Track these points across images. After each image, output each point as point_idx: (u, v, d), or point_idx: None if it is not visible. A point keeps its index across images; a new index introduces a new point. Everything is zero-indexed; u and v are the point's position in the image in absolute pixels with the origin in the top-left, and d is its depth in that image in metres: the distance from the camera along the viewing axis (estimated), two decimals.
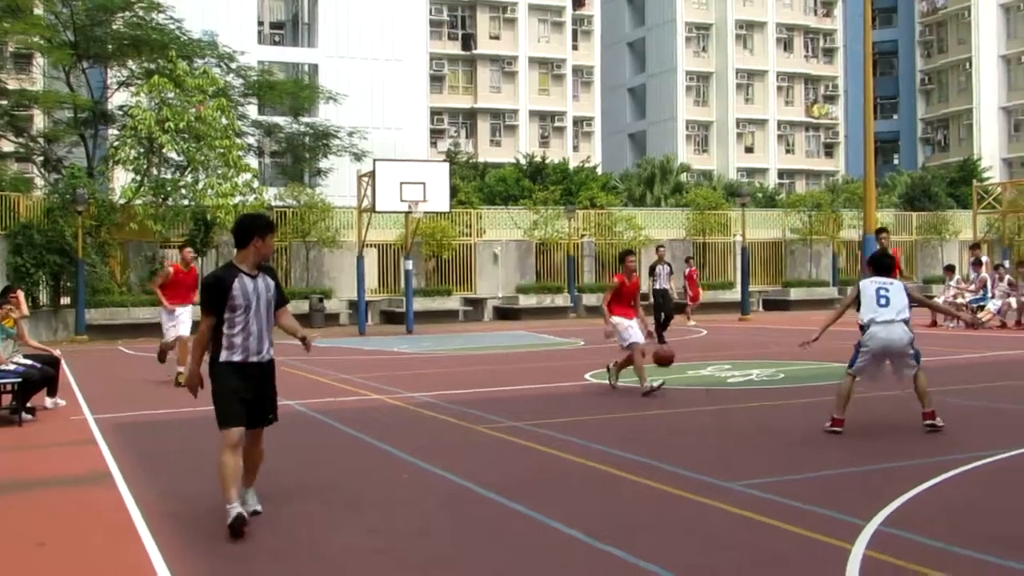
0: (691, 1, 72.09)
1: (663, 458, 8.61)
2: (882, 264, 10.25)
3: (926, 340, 20.61)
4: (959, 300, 25.01)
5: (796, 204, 42.18)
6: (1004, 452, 8.52)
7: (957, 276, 26.99)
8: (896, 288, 9.89)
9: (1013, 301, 24.69)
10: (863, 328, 9.82)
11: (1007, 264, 28.56)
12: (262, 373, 6.63)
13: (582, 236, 37.15)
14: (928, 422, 9.72)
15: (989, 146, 71.24)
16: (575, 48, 67.34)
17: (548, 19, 65.68)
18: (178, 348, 14.74)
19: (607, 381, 13.66)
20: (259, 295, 6.56)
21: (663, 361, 13.38)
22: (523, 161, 51.04)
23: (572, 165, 51.28)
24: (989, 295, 24.89)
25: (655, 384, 12.75)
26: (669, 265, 23.56)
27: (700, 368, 16.19)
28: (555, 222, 35.91)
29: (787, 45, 73.09)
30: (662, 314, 22.43)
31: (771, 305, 37.54)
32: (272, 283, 6.69)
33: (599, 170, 56.28)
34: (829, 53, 74.84)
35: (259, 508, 6.77)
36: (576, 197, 40.60)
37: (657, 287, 22.87)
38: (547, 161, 50.49)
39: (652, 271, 23.48)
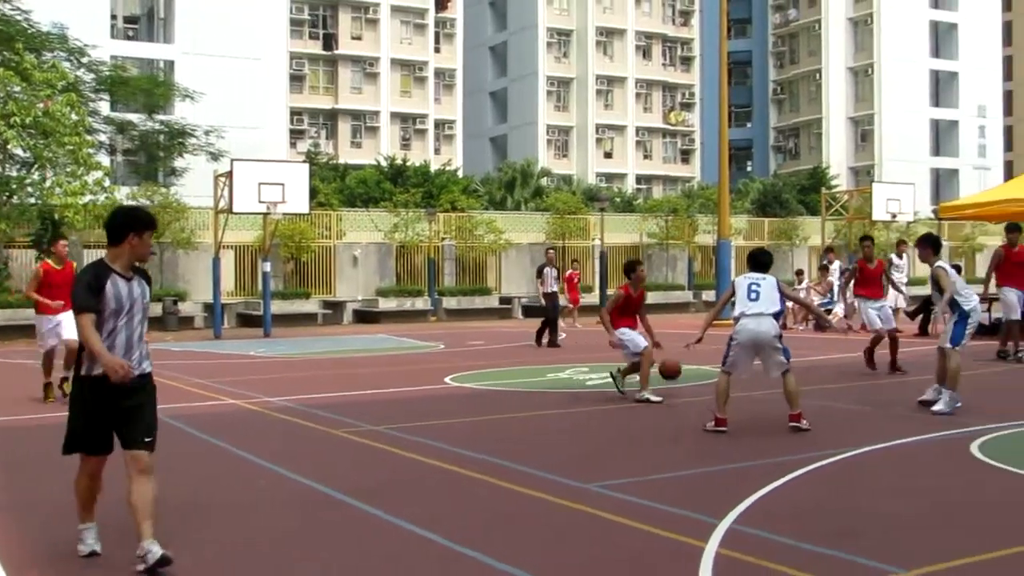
0: (553, 7, 72.80)
1: (521, 460, 8.65)
2: (758, 261, 10.52)
3: None
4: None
5: (653, 209, 42.95)
6: (849, 451, 8.81)
7: (806, 280, 27.80)
8: (768, 283, 10.13)
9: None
10: (735, 321, 10.09)
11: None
12: (131, 388, 5.69)
13: (443, 239, 37.15)
14: (793, 423, 9.95)
15: (837, 155, 73.80)
16: (437, 51, 67.32)
17: (411, 21, 65.52)
18: (65, 354, 13.93)
19: (615, 388, 12.97)
20: (133, 300, 5.75)
21: (670, 373, 12.58)
22: (384, 163, 50.77)
23: (433, 168, 51.23)
24: (835, 299, 25.71)
25: (653, 399, 12.27)
26: (557, 268, 23.54)
27: (559, 371, 16.34)
28: (416, 225, 35.81)
29: (646, 53, 74.41)
30: (549, 317, 22.29)
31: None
32: (147, 288, 5.90)
33: (460, 173, 56.37)
34: (686, 61, 76.48)
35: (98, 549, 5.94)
36: (437, 200, 40.57)
37: (546, 290, 22.75)
38: (408, 163, 50.33)
39: (540, 273, 23.36)
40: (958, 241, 45.76)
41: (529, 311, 36.43)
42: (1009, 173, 74.06)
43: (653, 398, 12.30)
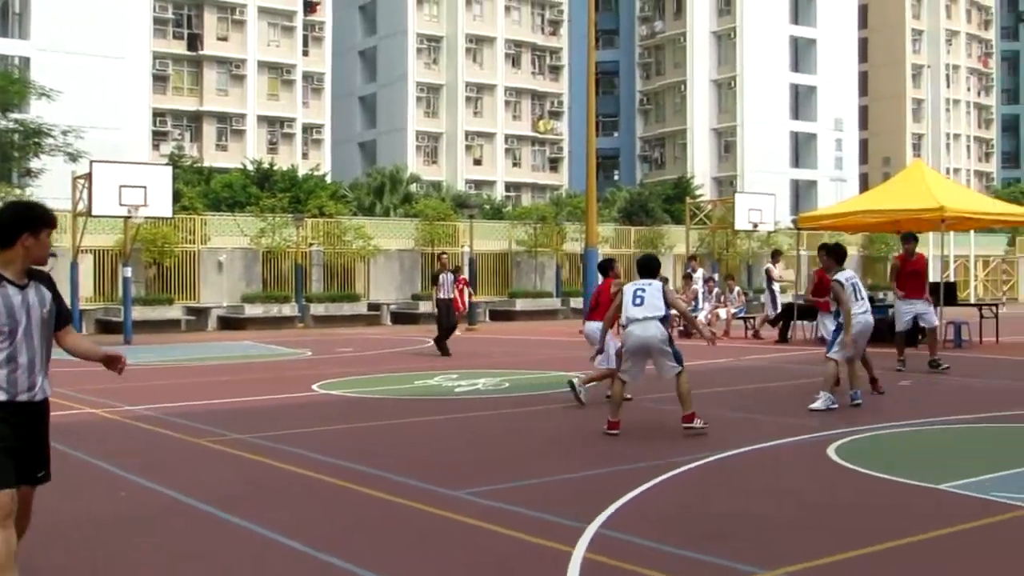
0: (423, 13, 72.70)
1: (389, 468, 8.62)
2: (645, 266, 10.75)
3: None
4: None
5: (522, 216, 43.23)
6: (713, 455, 9.00)
7: (671, 286, 28.34)
8: (653, 289, 10.31)
9: (722, 312, 26.19)
10: (623, 328, 10.27)
11: (716, 277, 30.23)
12: (34, 415, 4.99)
13: (310, 245, 36.73)
14: (686, 424, 10.13)
15: (701, 165, 75.37)
16: (306, 54, 66.59)
17: (278, 23, 64.67)
18: None
19: (575, 394, 12.65)
20: (30, 312, 4.91)
21: None
22: (251, 167, 49.95)
23: (301, 173, 50.57)
24: (700, 306, 26.28)
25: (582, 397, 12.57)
26: (453, 273, 23.21)
27: (427, 378, 16.32)
28: (283, 230, 35.33)
29: (515, 61, 74.87)
30: (445, 325, 21.60)
31: (498, 315, 38.27)
32: (48, 295, 5.04)
33: (328, 178, 55.83)
34: (555, 70, 77.16)
35: None
36: (305, 205, 40.09)
37: (441, 296, 21.84)
38: (275, 168, 49.58)
39: (436, 280, 22.50)
40: (815, 251, 47.24)
41: (398, 318, 36.32)
42: (864, 185, 76.76)
43: (583, 398, 12.54)
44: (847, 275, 12.65)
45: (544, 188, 74.47)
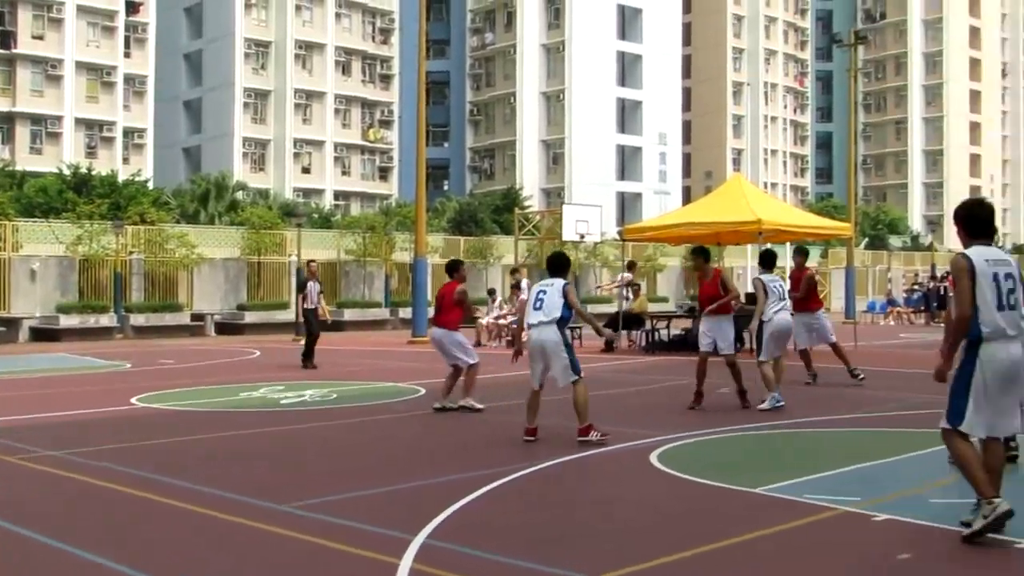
0: (251, 17, 71.42)
1: (211, 483, 8.42)
2: (553, 263, 10.74)
3: None
4: (501, 322, 26.46)
5: (351, 226, 42.91)
6: (540, 463, 9.11)
7: (499, 298, 28.51)
8: (554, 289, 10.23)
9: None
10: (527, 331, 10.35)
11: None
12: None
13: (131, 253, 35.60)
14: (581, 438, 10.09)
15: (530, 176, 76.20)
16: (128, 56, 64.55)
17: (99, 23, 62.51)
18: None
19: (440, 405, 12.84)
20: None
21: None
22: (67, 171, 48.12)
23: (122, 178, 49.04)
24: None
25: (477, 405, 12.78)
26: (320, 283, 22.42)
27: (252, 390, 16.02)
28: (101, 237, 34.14)
29: (346, 68, 74.29)
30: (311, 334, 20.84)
31: (325, 326, 37.79)
32: None
33: (151, 184, 54.24)
34: (386, 79, 76.89)
35: None
36: (125, 212, 38.82)
37: (308, 306, 21.01)
38: (94, 173, 47.89)
39: (302, 288, 21.61)
40: (641, 261, 48.30)
41: (223, 328, 35.54)
42: (687, 197, 78.84)
43: (477, 404, 12.71)
44: (770, 277, 13.45)
45: (374, 197, 74.07)
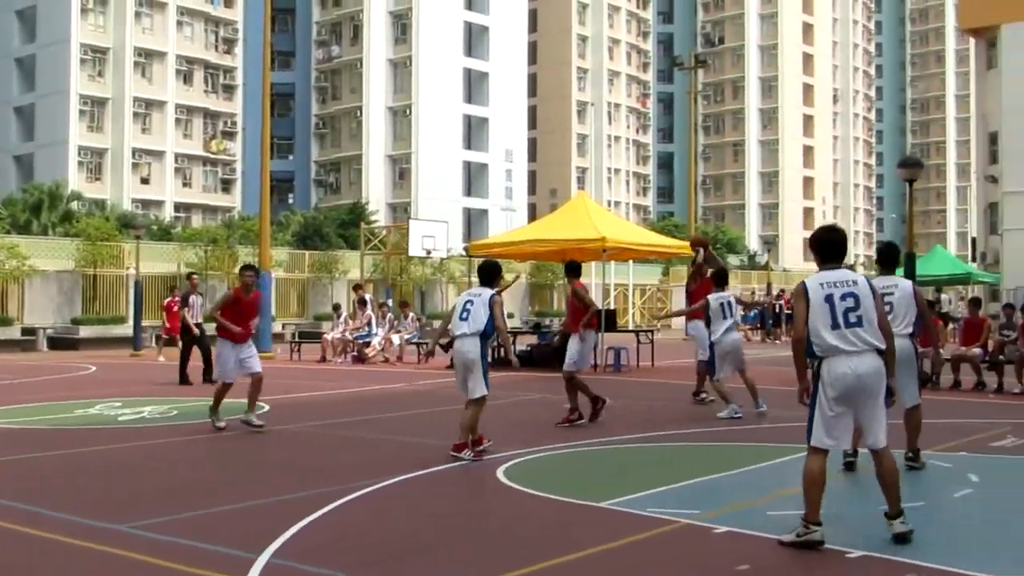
0: (88, 22, 69.18)
1: (43, 503, 8.09)
2: (483, 272, 10.68)
3: (316, 375, 21.43)
4: (348, 336, 26.24)
5: (192, 238, 42.00)
6: (388, 479, 9.04)
7: (344, 313, 28.26)
8: (480, 300, 10.17)
9: (396, 338, 26.39)
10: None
11: (390, 303, 30.47)
12: None
13: None
14: (455, 453, 10.01)
15: (376, 191, 75.88)
16: None
17: None
18: None
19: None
20: None
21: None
22: None
23: None
24: (374, 332, 26.37)
25: (256, 422, 12.36)
26: (202, 295, 21.61)
27: (88, 406, 15.48)
28: None
29: (187, 78, 72.65)
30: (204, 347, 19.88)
31: (167, 340, 36.76)
32: None
33: None
34: (229, 90, 75.53)
35: None
36: None
37: (195, 320, 20.22)
38: None
39: (186, 302, 20.56)
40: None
41: (56, 343, 34.28)
42: (532, 215, 79.65)
43: (256, 421, 12.34)
44: (719, 296, 13.85)
45: (216, 210, 72.65)
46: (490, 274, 10.61)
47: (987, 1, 46.91)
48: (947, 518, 7.87)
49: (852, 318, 6.71)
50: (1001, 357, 18.05)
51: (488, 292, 10.37)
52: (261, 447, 11.36)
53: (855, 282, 6.83)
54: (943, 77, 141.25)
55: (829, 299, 6.73)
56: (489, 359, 10.45)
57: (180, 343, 20.77)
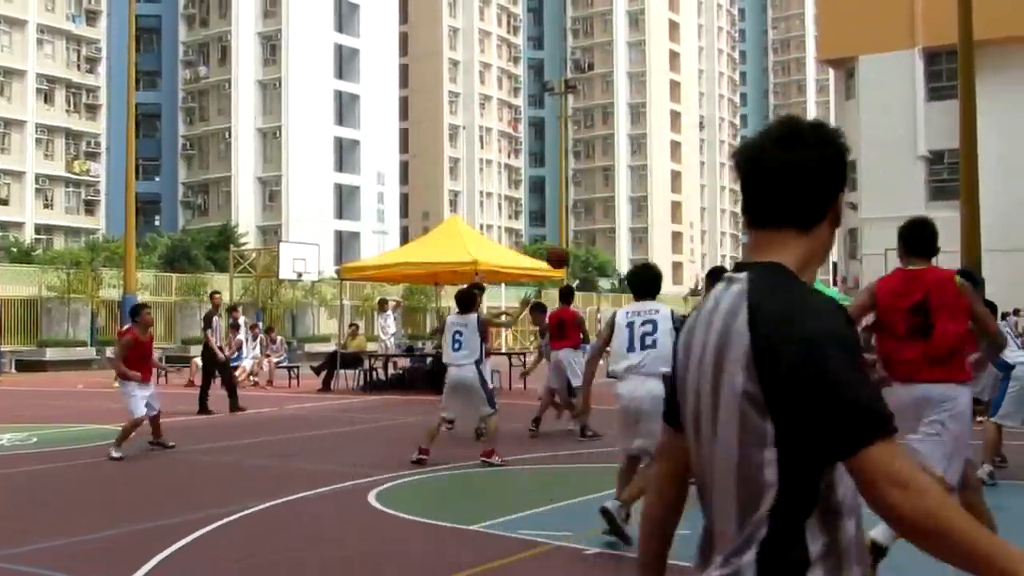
0: None
1: None
2: (462, 300, 11.40)
3: (185, 400, 20.97)
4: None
5: (54, 261, 40.77)
6: (258, 504, 8.93)
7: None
8: (470, 329, 10.96)
9: (265, 363, 26.00)
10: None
11: (260, 325, 30.02)
12: None
13: None
14: (485, 459, 11.10)
15: (246, 213, 74.63)
16: None
17: None
18: None
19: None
20: None
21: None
22: None
23: None
24: (245, 355, 25.91)
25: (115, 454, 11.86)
26: (221, 316, 20.07)
27: None
28: None
29: (48, 97, 70.57)
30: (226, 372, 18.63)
31: (26, 366, 35.66)
32: None
33: None
34: (92, 109, 73.61)
35: None
36: None
37: (218, 343, 18.64)
38: None
39: (209, 323, 18.92)
40: (358, 300, 48.15)
41: None
42: (405, 237, 79.54)
43: (170, 442, 12.66)
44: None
45: (79, 231, 70.64)
46: (468, 301, 11.32)
47: (844, 33, 48.62)
48: None
49: (647, 341, 7.55)
50: None
51: (474, 318, 11.11)
52: (123, 474, 11.08)
53: (654, 311, 7.69)
54: (804, 106, 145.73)
55: (630, 325, 7.67)
56: (490, 382, 11.59)
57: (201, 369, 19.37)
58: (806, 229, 2.14)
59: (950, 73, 40.35)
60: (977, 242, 19.25)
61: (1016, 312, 26.86)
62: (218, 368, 18.35)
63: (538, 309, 16.78)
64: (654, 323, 7.51)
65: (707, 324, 2.12)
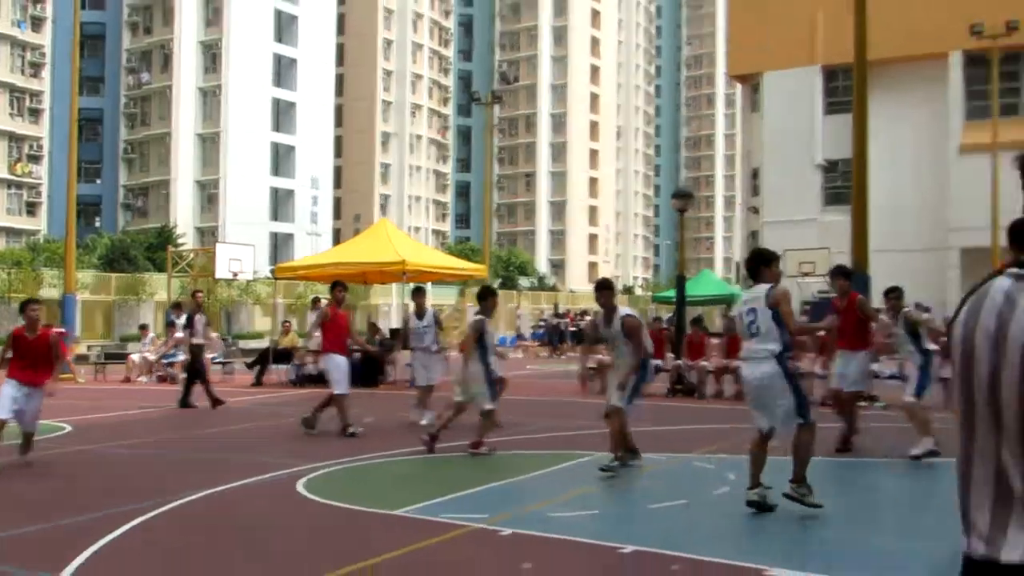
0: None
1: None
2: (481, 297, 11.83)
3: (121, 395, 20.62)
4: (150, 357, 25.31)
5: None
6: (189, 495, 8.79)
7: (152, 334, 27.31)
8: (490, 334, 11.60)
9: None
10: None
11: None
12: None
13: None
14: (473, 451, 11.26)
15: (184, 215, 73.62)
16: None
17: None
18: None
19: None
20: None
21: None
22: None
23: None
24: (182, 352, 25.48)
25: None
26: (206, 315, 19.29)
27: None
28: None
29: None
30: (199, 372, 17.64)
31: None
32: None
33: None
34: (35, 113, 71.95)
35: None
36: None
37: (197, 341, 17.85)
38: None
39: (190, 322, 18.06)
40: (291, 299, 47.73)
41: None
42: (337, 239, 79.04)
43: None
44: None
45: (21, 232, 69.07)
46: (480, 299, 11.96)
47: (751, 52, 49.35)
48: (708, 513, 8.21)
49: (753, 329, 7.86)
50: None
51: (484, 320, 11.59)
52: (47, 471, 10.86)
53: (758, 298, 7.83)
54: (713, 118, 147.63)
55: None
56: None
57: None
58: None
59: (846, 89, 41.13)
60: (865, 243, 19.64)
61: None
62: (194, 364, 17.73)
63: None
64: (755, 311, 7.70)
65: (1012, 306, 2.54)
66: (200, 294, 20.01)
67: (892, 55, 41.19)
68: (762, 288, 7.70)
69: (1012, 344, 2.39)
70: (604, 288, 9.98)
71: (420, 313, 14.95)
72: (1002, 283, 2.61)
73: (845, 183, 40.22)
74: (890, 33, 38.79)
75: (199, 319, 18.04)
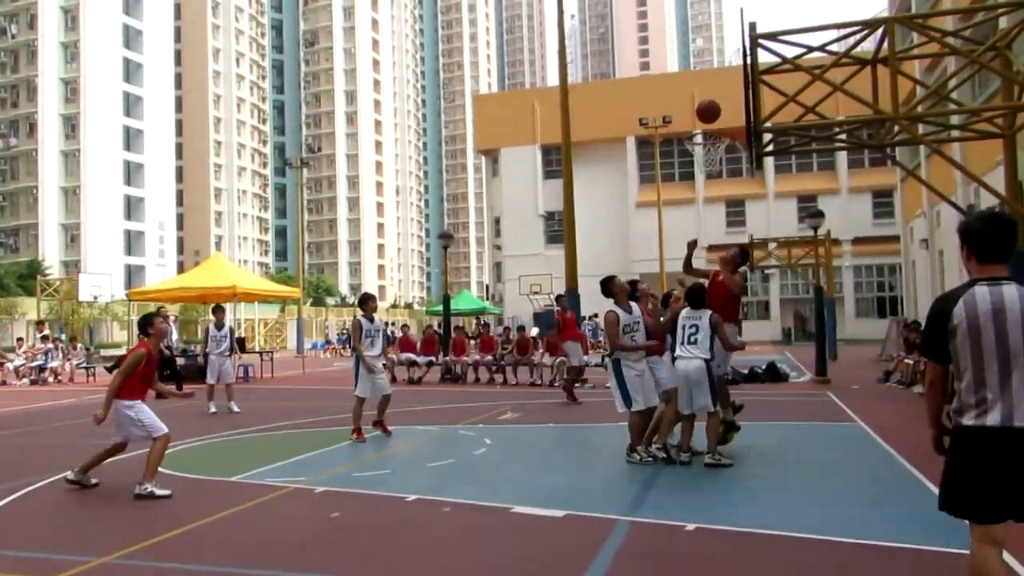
0: None
1: None
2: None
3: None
4: (26, 364, 23.04)
5: None
6: (53, 475, 8.04)
7: (26, 346, 24.90)
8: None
9: (67, 365, 23.52)
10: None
11: (63, 337, 27.19)
12: None
13: None
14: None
15: (51, 251, 68.19)
16: None
17: None
18: None
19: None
20: None
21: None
22: None
23: None
24: (49, 362, 23.37)
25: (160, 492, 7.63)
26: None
27: None
28: None
29: None
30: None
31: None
32: None
33: None
34: None
35: None
36: None
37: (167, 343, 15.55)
38: None
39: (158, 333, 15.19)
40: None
41: None
42: (181, 269, 75.21)
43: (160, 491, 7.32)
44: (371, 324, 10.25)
45: None
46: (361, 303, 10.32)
47: (491, 133, 50.62)
48: (473, 468, 8.24)
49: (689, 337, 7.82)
50: (503, 362, 19.11)
51: (379, 321, 10.45)
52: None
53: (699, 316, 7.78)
54: (466, 180, 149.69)
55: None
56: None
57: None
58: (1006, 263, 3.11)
59: (557, 161, 42.80)
60: (575, 270, 20.33)
61: (594, 316, 28.76)
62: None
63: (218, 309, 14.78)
64: (696, 325, 7.68)
65: (1006, 300, 2.99)
66: (164, 309, 20.05)
67: (589, 138, 43.37)
68: (705, 312, 7.70)
69: (1011, 316, 2.86)
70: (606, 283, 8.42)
71: (219, 325, 14.10)
72: (982, 288, 2.95)
73: (559, 228, 41.77)
74: (587, 123, 40.79)
75: (166, 327, 16.50)
